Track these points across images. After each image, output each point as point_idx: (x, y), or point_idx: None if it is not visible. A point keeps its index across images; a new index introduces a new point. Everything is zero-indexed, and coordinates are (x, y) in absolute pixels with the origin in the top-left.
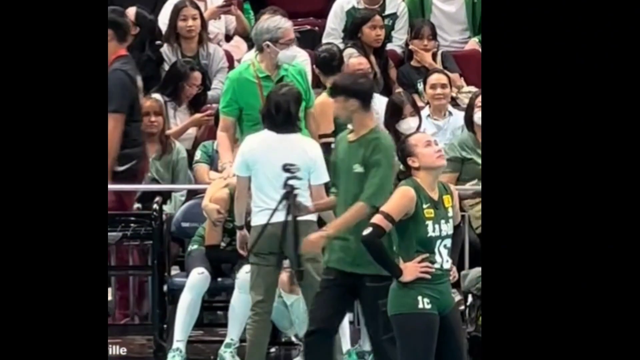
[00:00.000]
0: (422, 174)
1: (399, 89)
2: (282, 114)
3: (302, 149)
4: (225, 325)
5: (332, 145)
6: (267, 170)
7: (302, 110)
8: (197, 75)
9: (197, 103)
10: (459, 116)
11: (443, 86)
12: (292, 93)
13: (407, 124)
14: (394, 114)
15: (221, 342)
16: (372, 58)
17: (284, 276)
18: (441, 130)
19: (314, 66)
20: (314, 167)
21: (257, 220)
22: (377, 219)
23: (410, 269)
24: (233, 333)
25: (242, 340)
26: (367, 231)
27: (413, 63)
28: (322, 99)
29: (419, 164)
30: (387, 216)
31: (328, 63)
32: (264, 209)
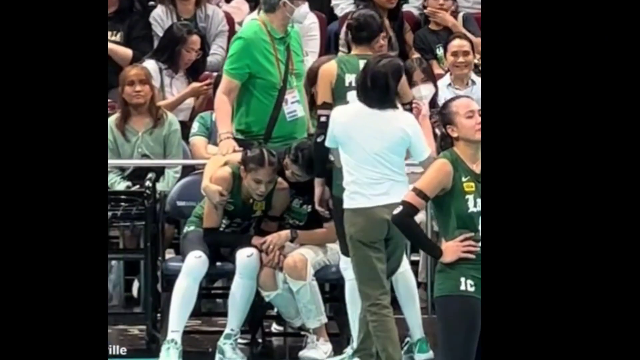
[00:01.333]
0: (461, 145)
1: (416, 55)
2: (379, 88)
3: (399, 127)
4: (224, 314)
5: (323, 119)
6: (360, 148)
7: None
8: (196, 39)
9: (195, 70)
10: None
11: (465, 53)
12: (392, 65)
13: (418, 92)
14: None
15: (220, 332)
16: (386, 21)
17: (289, 261)
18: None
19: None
20: (413, 144)
21: (357, 202)
22: (408, 196)
23: (451, 249)
24: (233, 323)
25: (243, 331)
26: (397, 210)
27: (431, 26)
28: (323, 66)
29: (458, 135)
30: (420, 193)
31: (357, 31)
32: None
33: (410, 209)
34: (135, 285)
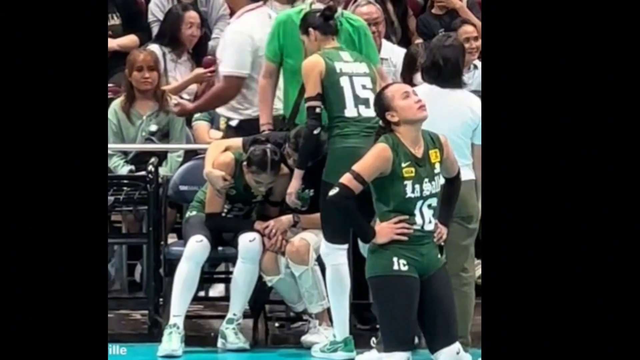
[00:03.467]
0: (402, 129)
1: (419, 40)
2: (451, 66)
3: (468, 107)
4: (226, 299)
5: (318, 110)
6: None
7: None
8: (193, 14)
9: (198, 54)
10: None
11: (475, 39)
12: (459, 44)
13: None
14: (409, 65)
15: (222, 317)
16: (390, 6)
17: (292, 245)
18: (465, 86)
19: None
20: (478, 126)
21: None
22: (345, 178)
23: (385, 231)
24: (236, 307)
25: (245, 315)
26: (333, 191)
27: (434, 11)
28: (309, 61)
29: (398, 118)
30: (357, 176)
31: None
32: None
33: (346, 191)
34: (138, 270)
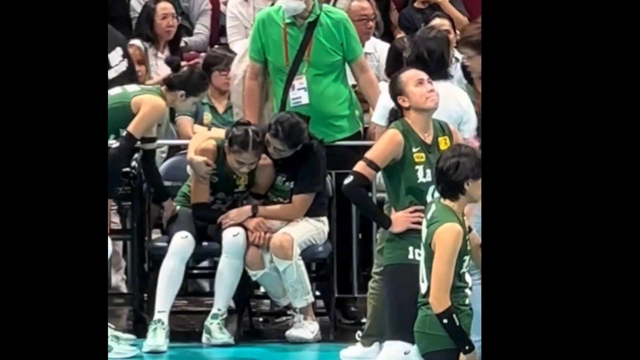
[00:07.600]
0: (412, 115)
1: (401, 34)
2: (436, 58)
3: (454, 99)
4: (211, 294)
5: None
6: None
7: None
8: (165, 5)
9: (176, 49)
10: None
11: (448, 32)
12: (443, 36)
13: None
14: (396, 61)
15: (207, 312)
16: (372, 1)
17: (276, 240)
18: (452, 78)
19: None
20: (466, 119)
21: None
22: (359, 166)
23: (401, 219)
24: (220, 303)
25: (230, 310)
26: (347, 180)
27: (416, 4)
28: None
29: (409, 104)
30: (371, 163)
31: None
32: None
33: (360, 179)
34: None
